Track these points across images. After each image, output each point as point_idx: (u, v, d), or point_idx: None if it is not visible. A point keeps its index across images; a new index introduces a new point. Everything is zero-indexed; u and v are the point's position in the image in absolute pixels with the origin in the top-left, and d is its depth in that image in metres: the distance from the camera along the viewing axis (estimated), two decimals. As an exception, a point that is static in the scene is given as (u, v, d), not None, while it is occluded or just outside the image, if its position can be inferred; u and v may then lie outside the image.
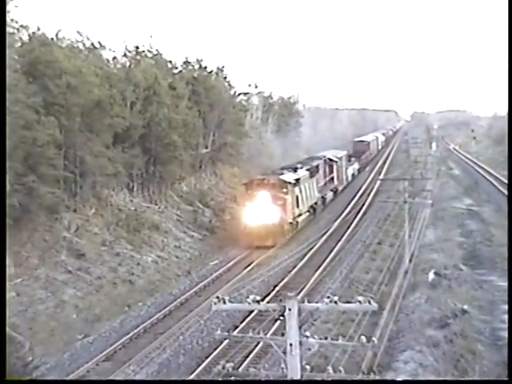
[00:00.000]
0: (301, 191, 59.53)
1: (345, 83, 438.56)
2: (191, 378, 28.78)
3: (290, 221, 55.86)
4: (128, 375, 29.73)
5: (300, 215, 59.70)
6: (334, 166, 79.89)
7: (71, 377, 29.19)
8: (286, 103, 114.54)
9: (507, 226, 29.36)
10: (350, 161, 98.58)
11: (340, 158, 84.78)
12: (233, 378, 18.04)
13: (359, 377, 20.17)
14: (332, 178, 78.79)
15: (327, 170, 76.14)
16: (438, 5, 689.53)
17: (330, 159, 78.46)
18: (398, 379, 16.18)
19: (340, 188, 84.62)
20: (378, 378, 15.51)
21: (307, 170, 64.60)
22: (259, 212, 52.50)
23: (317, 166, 69.87)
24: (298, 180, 58.37)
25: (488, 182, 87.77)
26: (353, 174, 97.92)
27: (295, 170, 61.74)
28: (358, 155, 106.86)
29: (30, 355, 32.25)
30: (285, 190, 54.12)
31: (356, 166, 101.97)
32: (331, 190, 77.94)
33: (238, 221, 60.71)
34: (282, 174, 58.46)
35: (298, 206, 58.30)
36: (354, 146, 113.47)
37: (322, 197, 71.62)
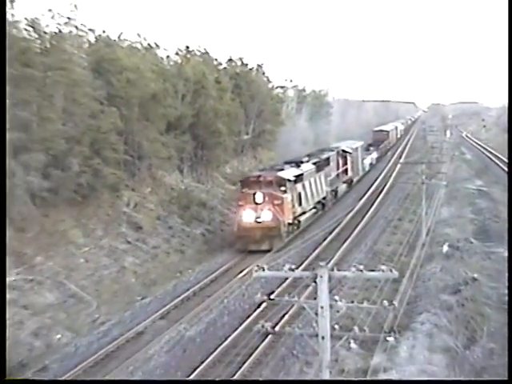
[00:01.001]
0: (304, 188, 48.60)
1: (370, 77, 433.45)
2: (234, 335, 28.73)
3: (290, 221, 44.87)
4: (180, 332, 29.98)
5: (303, 214, 48.74)
6: (348, 158, 69.31)
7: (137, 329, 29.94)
8: (317, 95, 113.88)
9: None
10: (368, 150, 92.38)
11: (355, 149, 74.24)
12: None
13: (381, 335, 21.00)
14: (345, 170, 68.12)
15: (340, 161, 65.27)
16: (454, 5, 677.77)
17: (344, 151, 68.26)
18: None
19: (355, 179, 74.08)
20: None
21: (314, 163, 53.85)
22: (253, 213, 42.37)
23: (327, 159, 59.86)
24: (299, 176, 47.53)
25: (496, 165, 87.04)
26: (371, 164, 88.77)
27: (299, 164, 51.19)
28: (377, 144, 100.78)
29: (97, 313, 33.01)
30: (283, 188, 43.39)
31: (374, 155, 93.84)
32: (344, 182, 67.90)
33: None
34: (282, 169, 47.56)
35: (300, 204, 47.42)
36: (373, 135, 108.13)
37: (333, 190, 61.40)
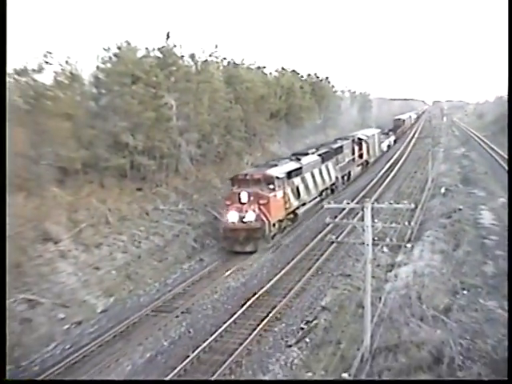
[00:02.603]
0: (304, 180, 33.48)
1: (396, 82, 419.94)
2: (312, 245, 28.03)
3: (281, 218, 29.91)
4: (279, 240, 29.30)
5: (303, 205, 33.34)
6: (363, 144, 53.44)
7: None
8: (363, 95, 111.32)
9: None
10: (388, 134, 79.53)
11: (372, 136, 58.74)
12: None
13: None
14: (361, 155, 52.39)
15: (356, 148, 50.11)
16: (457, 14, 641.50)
17: (360, 138, 53.27)
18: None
19: (372, 160, 58.20)
20: (399, 268, 14.41)
21: (320, 154, 38.41)
22: (238, 213, 27.90)
23: (340, 147, 44.64)
24: (297, 170, 32.46)
25: (473, 139, 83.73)
26: (388, 145, 74.49)
27: (299, 158, 35.48)
28: (395, 129, 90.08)
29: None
30: (271, 187, 28.72)
31: (392, 138, 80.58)
32: (359, 165, 52.18)
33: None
34: (276, 165, 32.06)
35: (298, 197, 32.13)
36: (393, 122, 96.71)
37: (345, 175, 45.43)
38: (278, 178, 29.00)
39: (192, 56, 39.73)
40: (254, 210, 27.47)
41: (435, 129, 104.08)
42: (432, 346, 14.21)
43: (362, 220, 14.76)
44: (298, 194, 31.93)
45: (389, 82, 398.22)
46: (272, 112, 54.93)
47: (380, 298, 18.53)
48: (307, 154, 37.14)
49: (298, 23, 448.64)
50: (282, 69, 64.46)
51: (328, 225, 28.73)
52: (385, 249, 25.42)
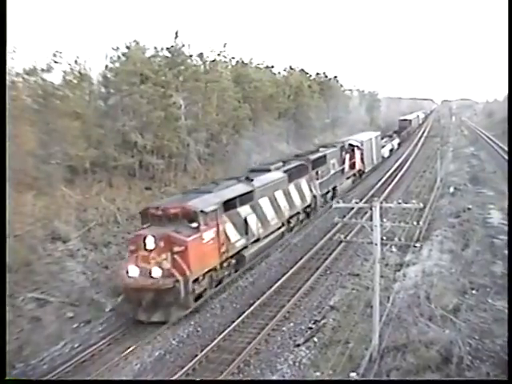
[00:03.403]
0: (257, 209, 24.55)
1: (405, 81, 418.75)
2: (320, 244, 27.67)
3: (212, 267, 20.62)
4: (287, 240, 28.67)
5: (255, 242, 24.39)
6: (356, 151, 44.40)
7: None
8: (371, 94, 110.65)
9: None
10: (391, 136, 71.90)
11: (367, 140, 48.98)
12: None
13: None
14: (353, 164, 43.52)
15: (345, 156, 41.13)
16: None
17: (351, 144, 43.80)
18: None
19: (368, 168, 49.20)
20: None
21: (287, 170, 29.27)
22: (142, 265, 18.74)
23: (321, 158, 35.23)
24: (243, 196, 23.31)
25: (482, 138, 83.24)
26: (391, 150, 65.22)
27: (253, 177, 25.53)
28: (401, 130, 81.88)
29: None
30: (194, 225, 19.46)
31: (396, 141, 71.31)
32: (352, 176, 43.65)
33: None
34: (209, 192, 22.15)
35: (246, 233, 23.22)
36: (399, 123, 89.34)
37: (328, 191, 36.48)
38: (203, 212, 19.66)
39: (200, 55, 39.96)
40: (161, 262, 18.55)
41: (444, 128, 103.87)
42: (440, 346, 14.16)
43: (371, 219, 14.67)
44: (245, 229, 23.17)
45: (397, 81, 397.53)
46: (280, 111, 55.08)
47: (388, 298, 18.51)
48: (268, 171, 27.98)
49: (306, 22, 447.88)
50: (291, 68, 64.68)
51: (336, 224, 28.41)
52: (393, 248, 25.35)
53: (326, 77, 77.01)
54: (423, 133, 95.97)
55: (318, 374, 15.20)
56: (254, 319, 19.24)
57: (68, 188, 27.35)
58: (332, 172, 37.10)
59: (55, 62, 27.79)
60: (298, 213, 30.88)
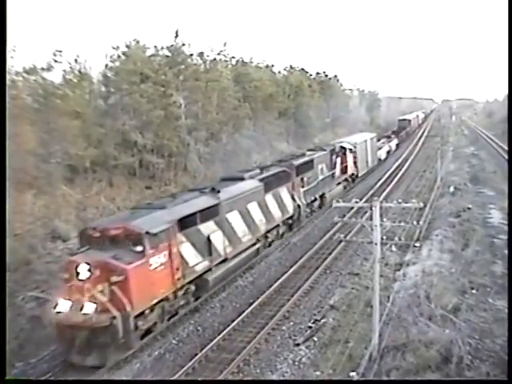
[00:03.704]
0: (224, 224, 21.07)
1: (404, 80, 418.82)
2: (320, 243, 27.49)
3: (164, 297, 17.19)
4: (287, 239, 28.53)
5: (221, 263, 20.93)
6: (349, 154, 41.15)
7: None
8: (371, 94, 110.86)
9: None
10: (389, 137, 69.05)
11: (361, 142, 45.90)
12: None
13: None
14: (344, 168, 40.30)
15: (336, 160, 38.30)
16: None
17: (343, 147, 40.43)
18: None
19: (362, 173, 45.97)
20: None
21: (264, 178, 25.84)
22: (74, 298, 15.05)
23: (307, 163, 32.11)
24: (205, 211, 19.64)
25: (482, 138, 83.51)
26: (388, 151, 61.62)
27: (220, 189, 21.70)
28: (400, 131, 79.33)
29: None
30: (138, 249, 15.82)
31: (395, 141, 68.32)
32: (344, 181, 40.36)
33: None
34: (162, 208, 18.28)
35: (209, 254, 19.74)
36: (398, 123, 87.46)
37: (315, 199, 33.53)
38: (149, 233, 16.27)
39: (201, 54, 40.02)
40: (96, 295, 15.16)
41: (444, 128, 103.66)
42: (440, 346, 14.15)
43: (371, 219, 14.62)
44: (208, 250, 19.82)
45: (398, 80, 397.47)
46: (280, 111, 55.27)
47: (388, 297, 18.48)
48: (241, 180, 24.51)
49: (306, 21, 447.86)
50: (291, 67, 64.92)
51: (336, 223, 28.24)
52: (393, 248, 25.26)
53: (326, 76, 77.28)
54: (423, 132, 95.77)
55: (317, 373, 15.19)
56: (254, 318, 19.19)
57: (68, 187, 27.35)
58: (320, 178, 34.05)
59: (55, 61, 27.83)
60: (278, 225, 27.64)
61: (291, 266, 24.38)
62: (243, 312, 19.52)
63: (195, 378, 15.35)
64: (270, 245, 26.99)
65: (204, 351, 16.69)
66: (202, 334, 18.42)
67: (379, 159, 55.21)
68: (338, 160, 39.03)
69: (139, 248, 16.10)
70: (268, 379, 15.17)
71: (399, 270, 22.63)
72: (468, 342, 13.97)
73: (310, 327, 18.10)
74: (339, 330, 17.66)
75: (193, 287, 19.36)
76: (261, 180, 25.62)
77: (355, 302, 19.58)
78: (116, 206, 28.71)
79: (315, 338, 17.30)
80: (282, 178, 28.08)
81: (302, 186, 30.96)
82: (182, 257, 18.07)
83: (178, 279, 17.89)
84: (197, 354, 16.50)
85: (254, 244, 24.37)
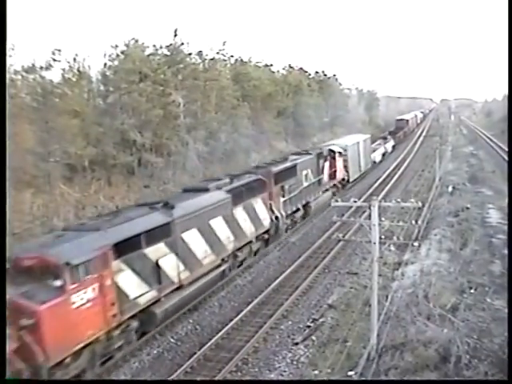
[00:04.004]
0: (177, 246, 17.77)
1: (403, 80, 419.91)
2: (319, 243, 27.43)
3: (95, 339, 14.05)
4: (286, 239, 28.55)
5: (175, 291, 17.88)
6: (338, 158, 37.99)
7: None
8: (370, 93, 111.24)
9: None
10: (386, 138, 65.90)
11: (352, 145, 43.21)
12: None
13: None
14: (333, 173, 37.02)
15: (324, 164, 35.15)
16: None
17: (332, 150, 37.46)
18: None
19: (354, 177, 43.32)
20: (406, 266, 13.97)
21: (233, 189, 22.64)
22: None
23: (289, 169, 29.16)
24: (152, 232, 16.36)
25: (481, 137, 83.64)
26: (384, 153, 58.52)
27: (172, 205, 18.23)
28: (397, 131, 76.81)
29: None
30: (58, 284, 12.80)
31: (391, 143, 64.98)
32: (333, 187, 37.36)
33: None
34: (96, 230, 15.01)
35: (158, 281, 16.71)
36: (395, 123, 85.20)
37: (298, 209, 30.52)
38: (70, 264, 13.30)
39: (199, 53, 40.05)
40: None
41: (443, 127, 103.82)
42: (439, 345, 14.15)
43: (369, 218, 14.61)
44: (157, 277, 16.92)
45: (397, 80, 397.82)
46: (279, 110, 55.43)
47: (387, 297, 18.44)
48: (204, 191, 21.35)
49: (305, 21, 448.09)
50: (290, 66, 65.05)
51: (335, 223, 27.96)
52: (392, 247, 25.20)
53: (325, 75, 77.47)
54: (422, 132, 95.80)
55: (316, 372, 15.20)
56: (253, 317, 19.20)
57: (67, 186, 27.34)
58: (304, 185, 31.11)
59: (54, 60, 27.84)
60: (251, 242, 24.47)
61: (290, 266, 24.39)
62: (242, 311, 19.53)
63: (194, 378, 15.32)
64: (240, 264, 23.88)
65: (202, 350, 16.70)
66: (201, 332, 18.42)
67: (374, 162, 52.86)
68: (327, 164, 35.90)
69: (58, 282, 13.19)
70: (267, 379, 15.13)
71: (398, 269, 22.61)
72: (466, 342, 13.96)
73: (309, 326, 18.11)
74: (338, 329, 17.67)
75: (135, 323, 16.40)
76: (229, 191, 22.22)
77: (354, 302, 19.59)
78: (115, 204, 28.69)
79: (314, 338, 17.30)
80: (255, 187, 24.65)
81: (283, 196, 27.91)
82: (119, 289, 15.14)
83: (114, 316, 14.94)
84: (195, 353, 16.51)
85: (218, 266, 21.27)
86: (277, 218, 27.00)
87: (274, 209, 26.75)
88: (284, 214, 27.91)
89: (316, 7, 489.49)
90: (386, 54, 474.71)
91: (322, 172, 34.83)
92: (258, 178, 25.30)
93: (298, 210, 30.63)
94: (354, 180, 43.70)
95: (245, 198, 23.43)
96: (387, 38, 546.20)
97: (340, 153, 38.74)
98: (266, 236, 26.41)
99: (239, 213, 22.93)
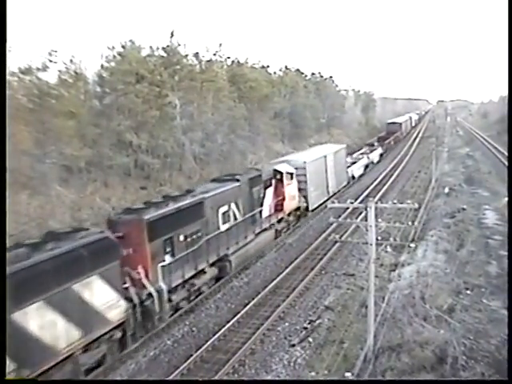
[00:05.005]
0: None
1: (399, 81, 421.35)
2: (315, 244, 27.31)
3: None
4: (283, 240, 28.38)
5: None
6: (288, 181, 28.12)
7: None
8: (367, 95, 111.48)
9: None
10: (372, 145, 60.35)
11: (316, 160, 33.94)
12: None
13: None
14: (280, 203, 27.61)
15: (262, 193, 25.71)
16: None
17: (278, 171, 27.82)
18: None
19: (317, 204, 33.26)
20: (402, 267, 13.96)
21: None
22: None
23: (181, 211, 18.17)
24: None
25: (477, 138, 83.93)
26: (366, 166, 49.67)
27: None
28: (387, 136, 70.10)
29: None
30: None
31: (378, 151, 57.06)
32: (279, 223, 27.81)
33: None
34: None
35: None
36: (387, 127, 78.81)
37: (206, 268, 20.06)
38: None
39: (196, 55, 40.09)
40: None
41: (439, 129, 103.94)
42: (435, 346, 14.18)
43: (366, 219, 14.63)
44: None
45: (393, 81, 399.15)
46: (276, 111, 55.33)
47: (383, 298, 18.49)
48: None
49: (302, 22, 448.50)
50: (286, 68, 64.99)
51: (331, 224, 28.01)
52: (388, 248, 25.31)
53: (322, 77, 77.49)
54: (418, 133, 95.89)
55: (312, 373, 15.19)
56: (249, 319, 19.18)
57: (63, 187, 27.28)
58: (222, 229, 21.52)
59: (50, 61, 27.80)
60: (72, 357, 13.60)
61: (286, 267, 24.36)
62: (238, 313, 19.50)
63: (190, 379, 15.28)
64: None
65: (199, 352, 16.67)
66: (197, 334, 18.37)
67: (352, 177, 43.85)
68: (269, 192, 26.83)
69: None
70: (265, 379, 15.14)
71: (394, 270, 22.64)
72: (463, 343, 13.99)
73: (306, 328, 18.10)
74: (334, 330, 17.68)
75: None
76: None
77: (350, 303, 19.61)
78: (111, 206, 28.63)
79: (310, 339, 17.30)
80: (92, 258, 14.10)
81: (172, 254, 17.98)
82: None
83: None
84: (192, 355, 16.48)
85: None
86: (142, 302, 16.46)
87: (143, 282, 16.53)
88: (164, 287, 17.29)
89: (313, 9, 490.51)
90: (383, 56, 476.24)
91: (261, 204, 25.85)
92: (103, 237, 15.12)
93: (201, 271, 20.17)
94: (319, 206, 33.95)
95: (53, 286, 12.76)
96: (384, 40, 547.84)
97: (291, 174, 28.92)
98: (104, 348, 15.05)
99: (34, 319, 12.10)
